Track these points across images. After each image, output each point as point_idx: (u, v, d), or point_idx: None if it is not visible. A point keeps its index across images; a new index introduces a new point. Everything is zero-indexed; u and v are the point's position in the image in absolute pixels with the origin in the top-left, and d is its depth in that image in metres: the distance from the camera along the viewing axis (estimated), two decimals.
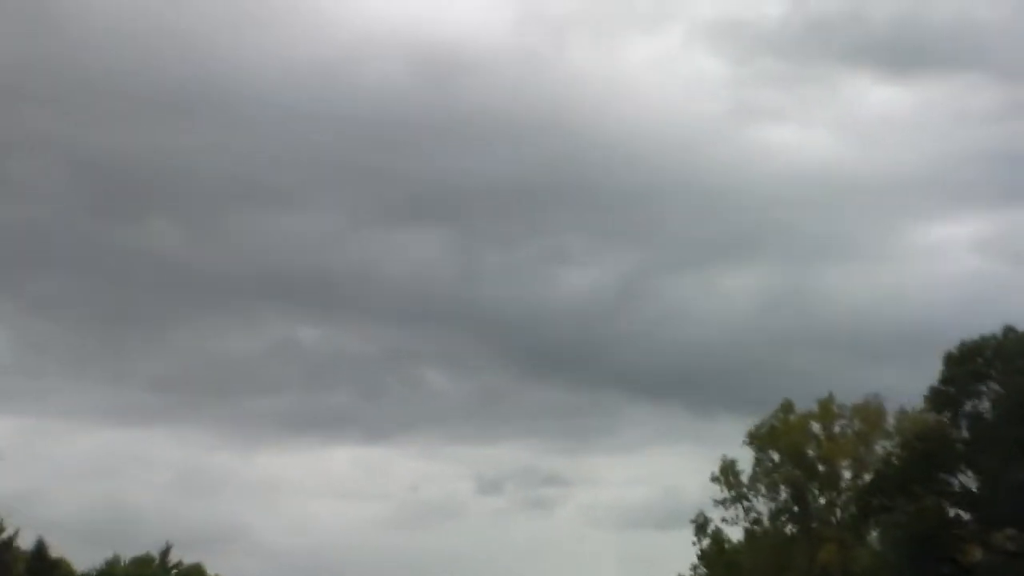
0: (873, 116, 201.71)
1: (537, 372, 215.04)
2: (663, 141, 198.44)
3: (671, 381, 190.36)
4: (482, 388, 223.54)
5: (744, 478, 79.78)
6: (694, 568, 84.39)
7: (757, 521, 79.74)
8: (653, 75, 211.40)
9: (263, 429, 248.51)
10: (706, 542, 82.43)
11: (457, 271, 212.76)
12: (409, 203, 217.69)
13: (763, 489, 79.52)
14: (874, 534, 75.61)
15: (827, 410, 79.00)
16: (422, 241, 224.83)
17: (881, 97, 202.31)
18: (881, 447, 76.48)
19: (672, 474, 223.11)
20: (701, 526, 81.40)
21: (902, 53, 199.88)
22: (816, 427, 79.35)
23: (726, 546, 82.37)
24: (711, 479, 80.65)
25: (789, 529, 79.29)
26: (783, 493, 79.13)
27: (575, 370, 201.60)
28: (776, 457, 79.56)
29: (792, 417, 79.71)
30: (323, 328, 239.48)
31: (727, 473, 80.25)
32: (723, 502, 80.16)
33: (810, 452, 78.76)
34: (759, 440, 79.83)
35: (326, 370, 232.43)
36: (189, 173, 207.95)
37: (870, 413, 77.70)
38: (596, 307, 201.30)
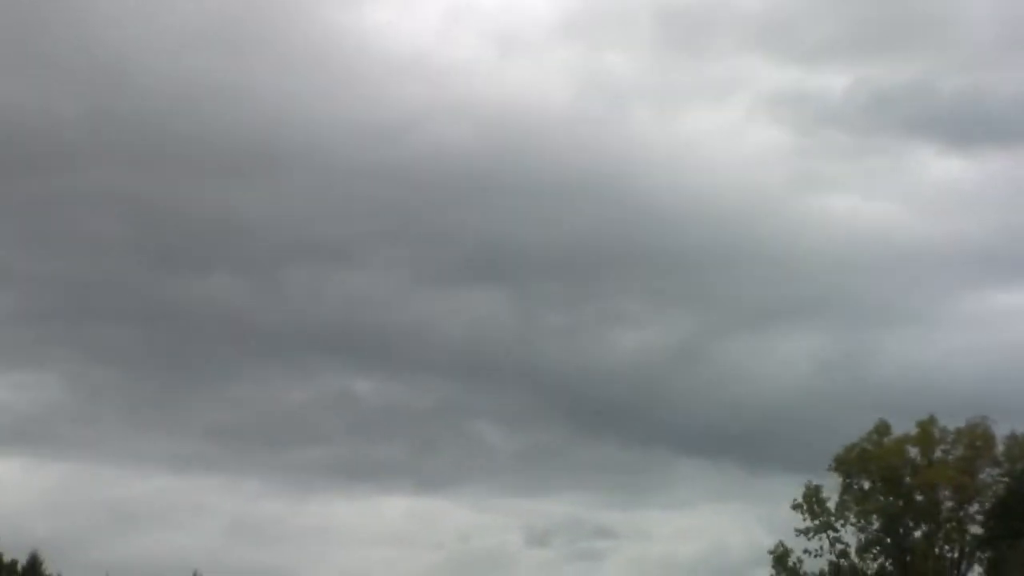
0: (935, 187, 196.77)
1: (590, 429, 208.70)
2: (723, 208, 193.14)
3: (724, 440, 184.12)
4: (534, 443, 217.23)
5: (831, 505, 71.99)
6: None
7: (844, 554, 72.04)
8: (715, 144, 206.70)
9: (316, 478, 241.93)
10: None
11: (513, 330, 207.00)
12: (468, 263, 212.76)
13: (852, 518, 71.83)
14: (978, 571, 68.18)
15: (927, 433, 71.83)
16: (479, 300, 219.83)
17: (944, 168, 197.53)
18: (988, 475, 69.56)
19: (722, 530, 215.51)
20: (780, 558, 72.99)
21: (965, 125, 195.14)
22: (913, 451, 72.09)
23: None
24: (792, 506, 72.77)
25: (880, 563, 71.88)
26: (874, 523, 71.69)
27: (628, 428, 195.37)
28: (867, 484, 72.00)
29: (887, 440, 72.17)
30: (378, 381, 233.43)
31: (811, 500, 72.32)
32: (806, 532, 72.16)
33: (906, 479, 71.38)
34: (848, 464, 72.08)
35: (380, 422, 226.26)
36: (251, 228, 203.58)
37: (976, 437, 71.01)
38: (650, 367, 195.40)
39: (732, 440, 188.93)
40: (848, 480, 72.24)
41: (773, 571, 73.86)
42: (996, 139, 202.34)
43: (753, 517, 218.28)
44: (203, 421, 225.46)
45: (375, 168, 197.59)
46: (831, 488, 72.61)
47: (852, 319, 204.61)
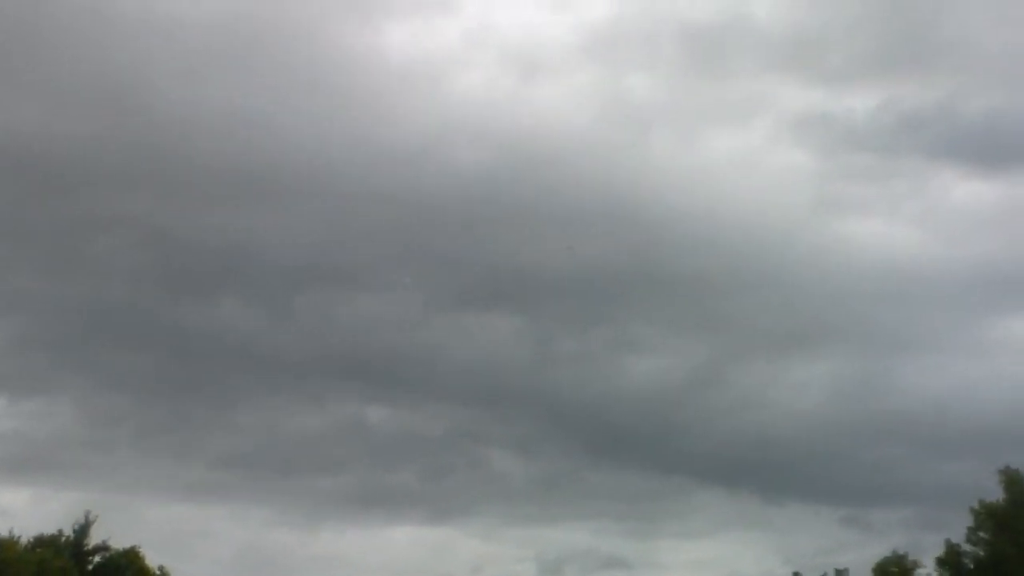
0: (959, 211, 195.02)
1: (604, 456, 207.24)
2: (741, 233, 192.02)
3: (741, 468, 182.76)
4: (547, 470, 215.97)
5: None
6: None
7: None
8: (736, 168, 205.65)
9: (326, 507, 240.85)
10: None
11: (527, 356, 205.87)
12: (482, 288, 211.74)
13: None
14: None
15: None
16: (493, 326, 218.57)
17: (967, 192, 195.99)
18: None
19: (738, 560, 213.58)
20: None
21: (989, 149, 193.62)
22: None
23: None
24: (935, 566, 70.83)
25: None
26: None
27: (643, 455, 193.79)
28: None
29: None
30: (390, 408, 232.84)
31: (953, 560, 70.00)
32: None
33: None
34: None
35: (392, 449, 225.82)
36: (262, 253, 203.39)
37: None
38: (666, 394, 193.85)
39: (748, 468, 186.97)
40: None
41: None
42: (1019, 162, 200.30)
43: (770, 547, 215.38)
44: (214, 448, 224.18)
45: (389, 193, 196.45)
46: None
47: (870, 346, 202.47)
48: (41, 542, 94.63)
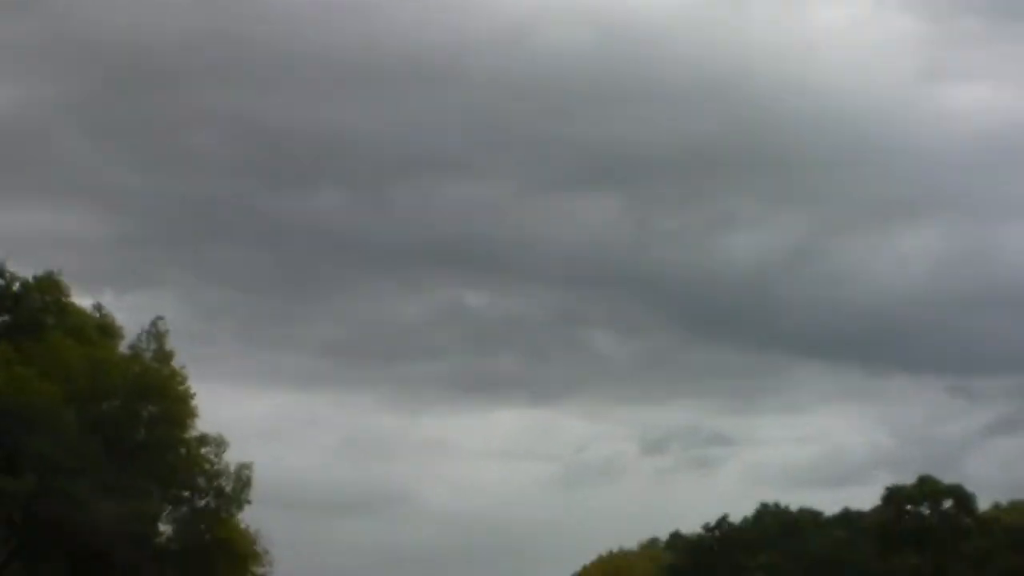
0: None
1: (705, 334, 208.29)
2: (843, 104, 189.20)
3: (842, 342, 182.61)
4: (649, 350, 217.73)
5: None
6: None
7: None
8: (841, 39, 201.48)
9: (429, 392, 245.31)
10: None
11: (627, 236, 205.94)
12: (580, 169, 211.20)
13: None
14: None
15: None
16: (592, 207, 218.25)
17: None
18: None
19: (841, 434, 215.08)
20: None
21: None
22: None
23: None
24: None
25: None
26: None
27: (744, 332, 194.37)
28: None
29: None
30: (490, 293, 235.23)
31: None
32: None
33: None
34: None
35: (493, 334, 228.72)
36: (360, 143, 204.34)
37: None
38: (766, 270, 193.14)
39: (850, 342, 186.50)
40: None
41: None
42: None
43: (873, 420, 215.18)
44: (316, 338, 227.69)
45: (489, 77, 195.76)
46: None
47: (974, 215, 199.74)
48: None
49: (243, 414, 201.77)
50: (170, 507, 67.80)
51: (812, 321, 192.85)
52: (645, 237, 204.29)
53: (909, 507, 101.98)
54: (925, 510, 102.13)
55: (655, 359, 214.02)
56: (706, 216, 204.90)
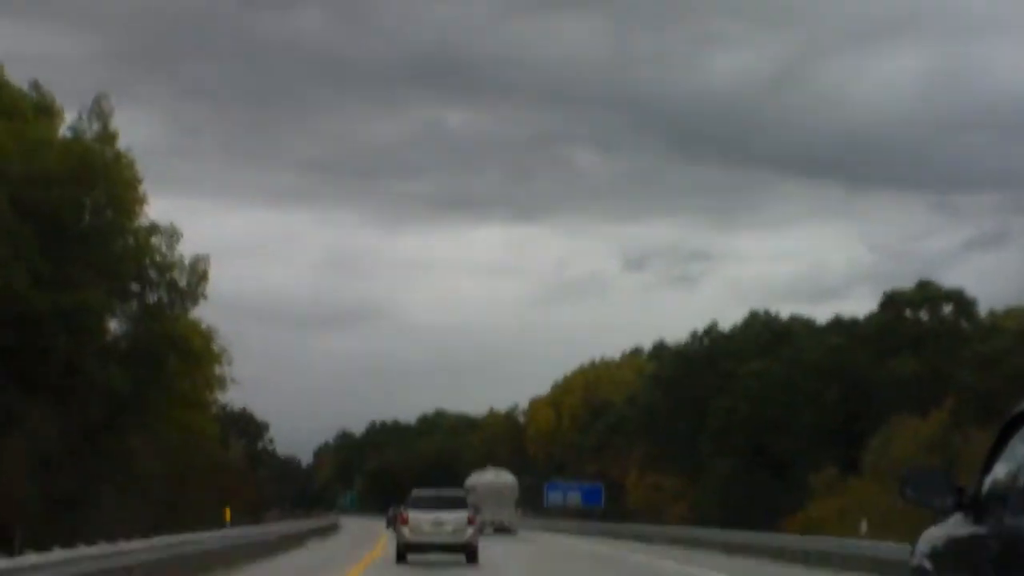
0: None
1: (687, 152, 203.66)
2: None
3: (825, 160, 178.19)
4: (630, 168, 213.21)
5: None
6: None
7: None
8: None
9: (410, 210, 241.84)
10: None
11: (608, 54, 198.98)
12: None
13: None
14: None
15: None
16: (575, 25, 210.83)
17: None
18: None
19: (820, 250, 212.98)
20: None
21: None
22: None
23: None
24: None
25: None
26: None
27: (726, 151, 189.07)
28: None
29: None
30: (470, 112, 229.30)
31: None
32: None
33: None
34: None
35: (473, 152, 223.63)
36: None
37: None
38: (748, 89, 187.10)
39: (832, 160, 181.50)
40: None
41: None
42: None
43: (854, 235, 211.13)
44: (296, 155, 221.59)
45: None
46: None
47: (960, 32, 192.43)
48: None
49: (224, 230, 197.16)
50: (118, 302, 61.91)
51: (794, 140, 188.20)
52: (628, 56, 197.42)
53: (908, 312, 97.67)
54: (924, 315, 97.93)
55: (637, 177, 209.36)
56: (687, 35, 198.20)
